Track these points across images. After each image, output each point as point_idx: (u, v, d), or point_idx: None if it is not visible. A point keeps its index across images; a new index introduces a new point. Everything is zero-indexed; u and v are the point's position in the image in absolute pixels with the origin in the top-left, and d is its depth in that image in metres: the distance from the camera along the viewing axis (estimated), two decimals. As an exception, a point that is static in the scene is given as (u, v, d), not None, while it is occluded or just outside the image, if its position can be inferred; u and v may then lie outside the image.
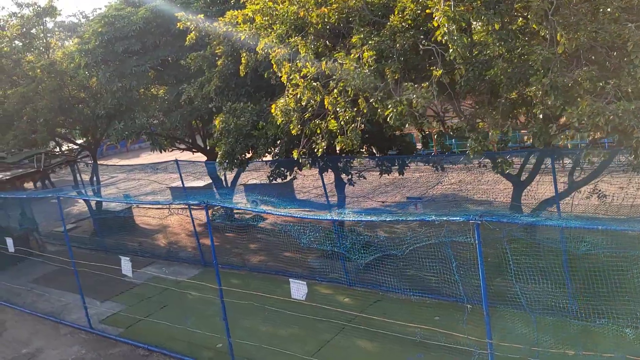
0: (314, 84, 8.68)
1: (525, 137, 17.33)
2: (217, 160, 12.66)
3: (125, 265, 12.78)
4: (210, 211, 10.64)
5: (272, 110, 10.15)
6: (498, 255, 9.18)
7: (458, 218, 7.66)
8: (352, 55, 8.44)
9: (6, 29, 20.55)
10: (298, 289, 9.81)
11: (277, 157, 15.35)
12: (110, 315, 14.46)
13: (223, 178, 19.79)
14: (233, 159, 12.39)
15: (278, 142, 12.00)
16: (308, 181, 19.32)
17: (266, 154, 13.05)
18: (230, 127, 12.17)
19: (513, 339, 9.49)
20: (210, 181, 22.96)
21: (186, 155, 23.10)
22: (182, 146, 19.95)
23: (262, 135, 12.07)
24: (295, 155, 10.26)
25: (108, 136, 17.50)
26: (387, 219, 8.08)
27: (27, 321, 15.09)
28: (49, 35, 21.98)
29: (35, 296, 16.77)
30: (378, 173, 15.44)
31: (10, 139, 17.26)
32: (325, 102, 8.65)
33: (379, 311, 12.20)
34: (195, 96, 13.51)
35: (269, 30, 10.78)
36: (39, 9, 20.42)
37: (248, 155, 12.50)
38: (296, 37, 9.65)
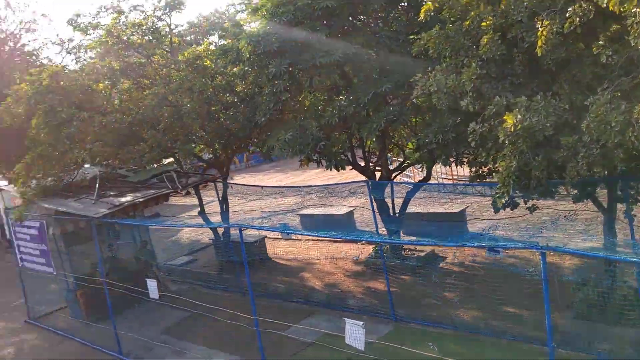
0: None
1: None
2: (499, 181, 8.56)
3: (355, 332, 8.71)
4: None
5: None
6: None
7: None
8: None
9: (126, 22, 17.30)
10: None
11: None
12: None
13: (390, 204, 15.69)
14: (525, 179, 8.32)
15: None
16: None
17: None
18: (520, 130, 8.09)
19: None
20: (351, 208, 19.17)
21: (322, 176, 19.20)
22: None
23: (573, 145, 7.92)
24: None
25: (269, 149, 13.68)
26: None
27: (174, 391, 11.34)
28: (175, 32, 18.66)
29: (173, 354, 12.98)
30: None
31: (146, 152, 13.60)
32: None
33: None
34: (439, 91, 9.52)
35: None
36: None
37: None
38: None
